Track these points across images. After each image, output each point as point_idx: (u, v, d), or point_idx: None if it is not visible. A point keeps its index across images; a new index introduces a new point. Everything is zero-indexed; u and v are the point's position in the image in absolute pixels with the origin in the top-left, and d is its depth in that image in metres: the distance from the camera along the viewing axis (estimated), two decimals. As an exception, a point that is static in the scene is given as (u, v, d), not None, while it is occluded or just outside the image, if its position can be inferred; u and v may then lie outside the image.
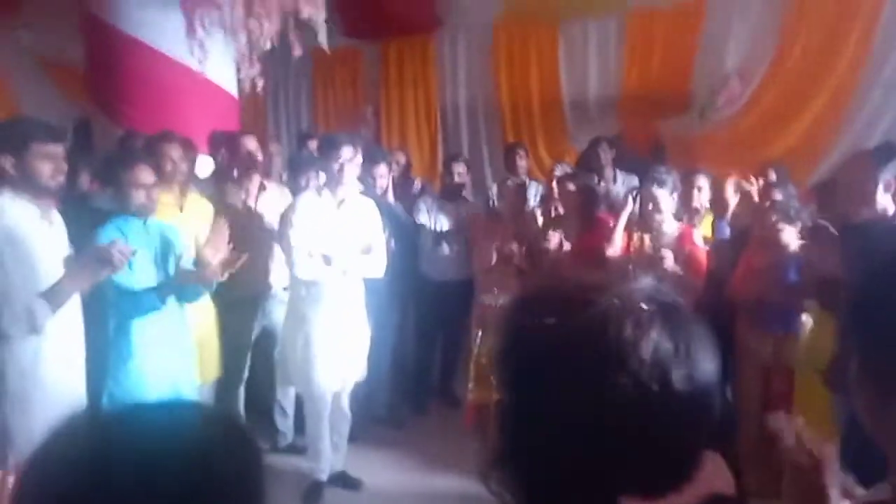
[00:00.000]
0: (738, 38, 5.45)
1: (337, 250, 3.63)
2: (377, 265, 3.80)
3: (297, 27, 3.99)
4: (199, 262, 3.36)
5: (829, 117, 5.08)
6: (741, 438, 3.41)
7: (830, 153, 4.95)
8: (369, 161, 4.22)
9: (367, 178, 4.35)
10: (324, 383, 3.68)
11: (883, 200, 2.38)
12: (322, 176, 4.27)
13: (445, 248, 4.92)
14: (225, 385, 3.89)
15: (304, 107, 7.36)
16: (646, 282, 0.76)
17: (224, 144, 4.34)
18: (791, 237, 3.54)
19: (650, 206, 3.90)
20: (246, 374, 4.08)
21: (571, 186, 4.43)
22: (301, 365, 3.66)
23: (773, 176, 4.52)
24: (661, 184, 3.92)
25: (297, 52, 3.93)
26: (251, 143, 3.99)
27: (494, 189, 5.37)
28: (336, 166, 3.51)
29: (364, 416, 4.62)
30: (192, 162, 4.40)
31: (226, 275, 3.11)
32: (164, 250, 3.12)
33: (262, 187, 4.08)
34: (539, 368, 0.72)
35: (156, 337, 3.03)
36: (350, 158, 3.50)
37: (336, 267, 3.61)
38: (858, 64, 4.96)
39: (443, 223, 4.97)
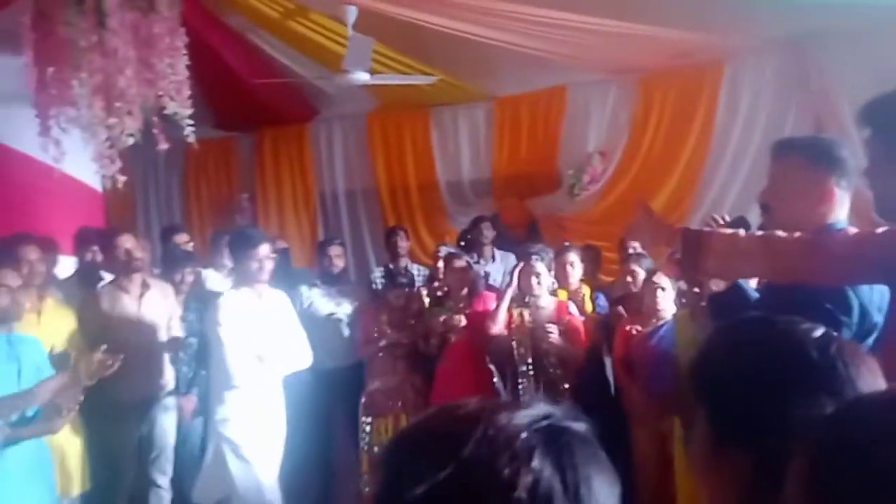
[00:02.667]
0: (597, 120, 5.85)
1: (268, 348, 3.51)
2: (303, 357, 3.74)
3: (163, 121, 3.90)
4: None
5: (682, 193, 5.48)
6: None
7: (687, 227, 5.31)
8: (248, 246, 4.04)
9: (249, 263, 4.18)
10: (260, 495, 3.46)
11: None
12: (199, 271, 4.18)
13: (329, 334, 4.83)
14: (100, 500, 3.59)
15: (176, 199, 7.15)
16: (536, 406, 0.68)
17: (96, 243, 4.15)
18: (669, 304, 3.75)
19: (532, 281, 4.02)
20: (128, 484, 3.79)
21: (458, 264, 4.49)
22: (234, 477, 3.44)
23: (636, 246, 4.78)
24: (541, 259, 4.07)
25: (163, 146, 3.83)
26: (128, 242, 3.84)
27: (377, 272, 5.39)
28: (255, 264, 3.47)
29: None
30: (52, 263, 4.17)
31: (95, 379, 2.90)
32: (27, 367, 2.89)
33: (145, 286, 3.90)
34: None
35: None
36: (268, 255, 3.49)
37: (269, 366, 3.49)
38: (704, 145, 5.41)
39: (324, 308, 4.89)
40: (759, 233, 2.07)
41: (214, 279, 4.82)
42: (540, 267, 4.04)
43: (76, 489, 3.42)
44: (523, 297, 4.11)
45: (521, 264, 4.17)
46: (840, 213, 2.07)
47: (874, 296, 1.90)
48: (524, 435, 0.64)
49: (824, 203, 2.07)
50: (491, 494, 0.61)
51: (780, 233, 1.88)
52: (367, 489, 4.36)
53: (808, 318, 1.84)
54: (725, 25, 4.75)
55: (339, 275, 5.18)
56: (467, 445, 0.63)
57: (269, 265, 3.57)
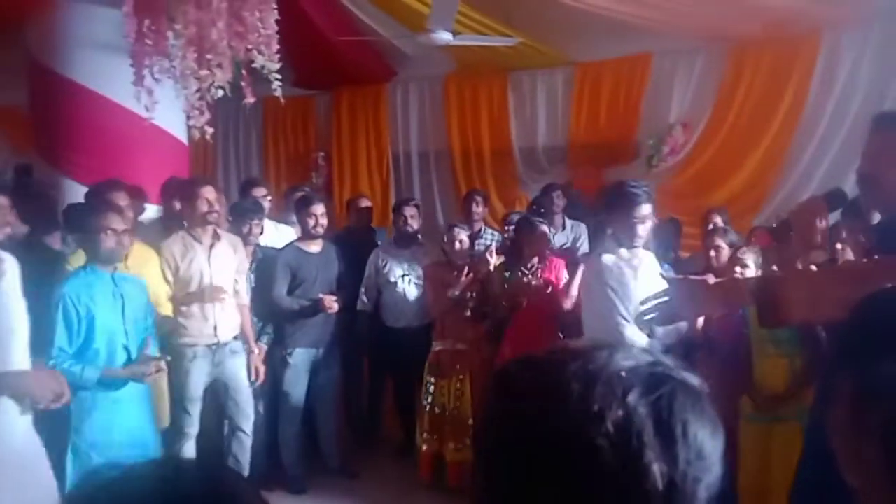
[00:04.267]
0: (681, 90, 5.66)
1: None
2: None
3: (250, 75, 3.97)
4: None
5: (767, 167, 5.28)
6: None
7: (770, 201, 5.13)
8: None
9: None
10: None
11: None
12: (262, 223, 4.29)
13: (399, 295, 4.91)
14: (172, 436, 3.77)
15: (255, 154, 7.32)
16: (646, 353, 0.69)
17: (179, 193, 4.26)
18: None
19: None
20: (196, 428, 3.91)
21: (538, 231, 4.38)
22: None
23: (718, 221, 4.65)
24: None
25: (250, 99, 3.91)
26: (210, 193, 3.90)
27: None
28: (638, 224, 3.18)
29: (317, 468, 4.54)
30: (139, 210, 4.33)
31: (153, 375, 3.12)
32: (131, 306, 3.11)
33: (216, 237, 4.02)
34: (510, 441, 0.68)
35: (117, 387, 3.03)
36: (649, 215, 3.23)
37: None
38: (794, 118, 5.18)
39: (396, 269, 4.96)
40: (837, 264, 1.99)
41: (287, 234, 4.92)
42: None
43: (162, 425, 3.59)
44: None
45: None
46: None
47: None
48: (623, 374, 0.65)
49: None
50: (582, 424, 0.63)
51: (864, 260, 1.79)
52: (424, 447, 4.43)
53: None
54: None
55: (413, 235, 5.23)
56: (566, 375, 0.66)
57: (648, 227, 3.26)
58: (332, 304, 4.33)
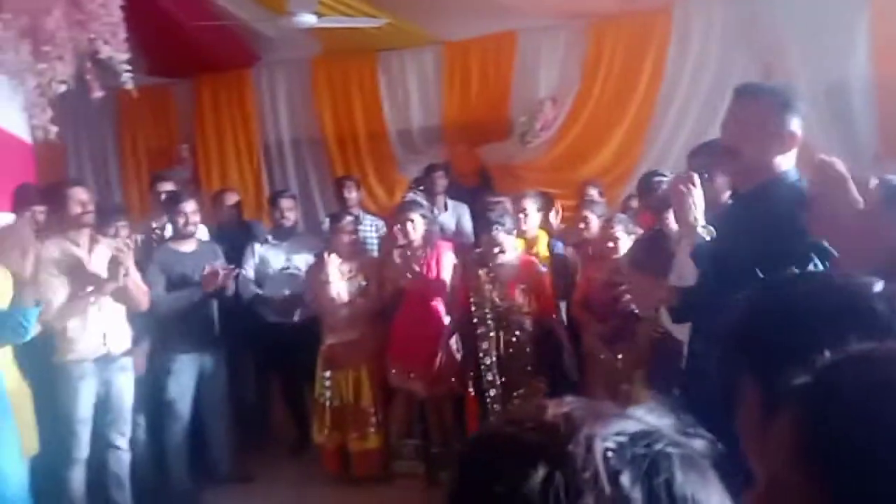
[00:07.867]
0: (547, 67, 5.76)
1: None
2: None
3: (97, 67, 3.64)
4: None
5: (633, 140, 5.49)
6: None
7: (637, 172, 5.30)
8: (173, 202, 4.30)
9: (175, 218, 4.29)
10: None
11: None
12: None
13: (280, 290, 4.76)
14: (51, 463, 3.47)
15: (110, 151, 6.79)
16: (632, 420, 0.59)
17: (42, 197, 3.94)
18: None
19: (494, 251, 3.96)
20: (86, 451, 3.62)
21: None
22: None
23: (594, 194, 4.80)
24: (503, 224, 3.98)
25: (97, 93, 3.58)
26: (82, 194, 3.64)
27: (326, 223, 5.28)
28: None
29: (207, 476, 4.36)
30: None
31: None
32: None
33: (94, 240, 3.72)
34: None
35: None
36: None
37: None
38: (654, 91, 5.39)
39: (275, 263, 4.83)
40: None
41: None
42: (502, 237, 3.97)
43: (28, 451, 3.28)
44: (485, 257, 4.05)
45: (484, 232, 4.05)
46: (793, 160, 2.13)
47: None
48: (610, 455, 0.56)
49: (789, 148, 2.10)
50: None
51: None
52: (325, 441, 4.37)
53: (792, 263, 1.88)
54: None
55: (291, 228, 5.09)
56: (547, 460, 0.56)
57: None
58: (220, 273, 4.13)
